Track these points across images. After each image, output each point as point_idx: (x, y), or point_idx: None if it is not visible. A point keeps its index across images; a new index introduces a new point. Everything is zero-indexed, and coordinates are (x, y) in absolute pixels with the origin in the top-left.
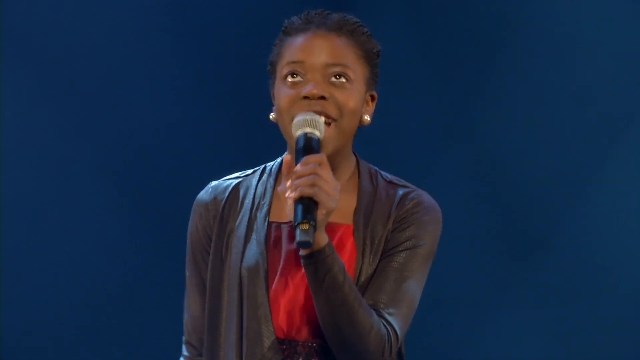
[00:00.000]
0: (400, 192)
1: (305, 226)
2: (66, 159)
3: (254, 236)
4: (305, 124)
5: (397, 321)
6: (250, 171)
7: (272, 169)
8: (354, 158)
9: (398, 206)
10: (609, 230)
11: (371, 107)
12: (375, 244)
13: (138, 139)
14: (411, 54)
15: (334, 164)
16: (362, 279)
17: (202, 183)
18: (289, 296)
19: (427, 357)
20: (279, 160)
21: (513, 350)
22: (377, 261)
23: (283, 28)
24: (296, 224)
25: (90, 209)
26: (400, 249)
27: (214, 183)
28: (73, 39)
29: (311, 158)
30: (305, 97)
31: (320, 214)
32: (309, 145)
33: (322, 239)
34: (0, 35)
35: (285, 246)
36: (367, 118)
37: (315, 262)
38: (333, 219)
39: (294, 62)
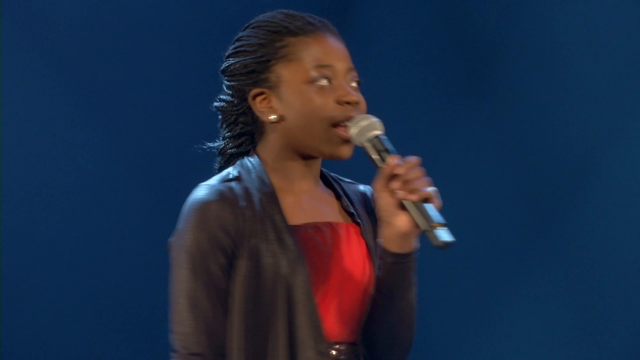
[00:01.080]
0: (360, 187)
1: (444, 226)
2: (66, 158)
3: (283, 241)
4: (375, 126)
5: None
6: (235, 173)
7: (261, 170)
8: None
9: (370, 202)
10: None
11: None
12: (375, 239)
13: (146, 135)
14: (423, 18)
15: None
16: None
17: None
18: (334, 298)
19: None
20: (252, 160)
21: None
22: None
23: (275, 28)
24: (437, 223)
25: (92, 208)
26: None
27: (215, 187)
28: (84, 31)
29: (415, 160)
30: (347, 103)
31: None
32: (387, 146)
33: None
34: (1, 27)
35: (320, 247)
36: None
37: (410, 261)
38: (334, 218)
39: (323, 66)
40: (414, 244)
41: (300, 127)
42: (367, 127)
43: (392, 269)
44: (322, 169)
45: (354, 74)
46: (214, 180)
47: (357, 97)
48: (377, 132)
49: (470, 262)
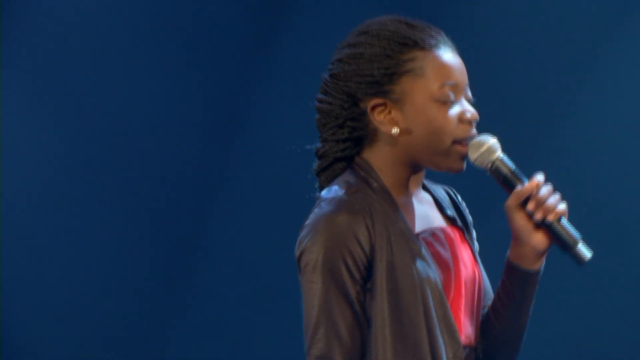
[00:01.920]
0: (443, 188)
1: (582, 243)
2: (66, 159)
3: (413, 250)
4: (494, 148)
5: None
6: (355, 183)
7: (379, 179)
8: None
9: (457, 199)
10: None
11: None
12: (474, 240)
13: (138, 140)
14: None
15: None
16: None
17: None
18: (460, 302)
19: None
20: (367, 168)
21: None
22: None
23: (400, 39)
24: (579, 239)
25: (91, 209)
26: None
27: (345, 199)
28: (73, 38)
29: (542, 177)
30: (469, 122)
31: None
32: (513, 166)
33: None
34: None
35: (441, 253)
36: None
37: (539, 276)
38: (442, 223)
39: (451, 85)
40: (544, 260)
41: (422, 143)
42: (487, 151)
43: (523, 285)
44: None
45: (469, 89)
46: (339, 192)
47: (476, 115)
48: (499, 154)
49: None
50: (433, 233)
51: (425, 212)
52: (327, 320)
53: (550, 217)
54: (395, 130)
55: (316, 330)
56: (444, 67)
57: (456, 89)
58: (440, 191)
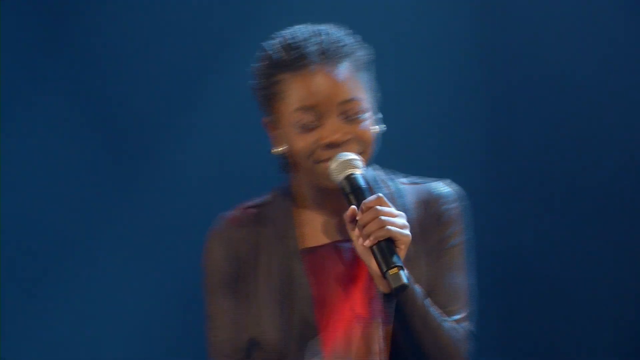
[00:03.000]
0: (424, 187)
1: (395, 270)
2: (68, 157)
3: (289, 264)
4: (345, 166)
5: (464, 318)
6: (260, 200)
7: (286, 194)
8: None
9: (430, 206)
10: None
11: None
12: (428, 250)
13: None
14: None
15: None
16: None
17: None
18: (343, 322)
19: None
20: (286, 184)
21: None
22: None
23: (272, 61)
24: (384, 270)
25: (90, 208)
26: (444, 247)
27: (229, 215)
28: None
29: (369, 202)
30: (328, 145)
31: (399, 250)
32: (356, 186)
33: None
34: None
35: (325, 271)
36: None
37: (400, 298)
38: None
39: (307, 108)
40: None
41: (294, 162)
42: (337, 168)
43: (390, 307)
44: (387, 174)
45: (349, 105)
46: (240, 206)
47: (341, 136)
48: (343, 175)
49: None
50: (335, 247)
51: (343, 224)
52: (217, 333)
53: (367, 243)
54: (276, 149)
55: (209, 332)
56: (302, 90)
57: (318, 111)
58: (406, 194)
